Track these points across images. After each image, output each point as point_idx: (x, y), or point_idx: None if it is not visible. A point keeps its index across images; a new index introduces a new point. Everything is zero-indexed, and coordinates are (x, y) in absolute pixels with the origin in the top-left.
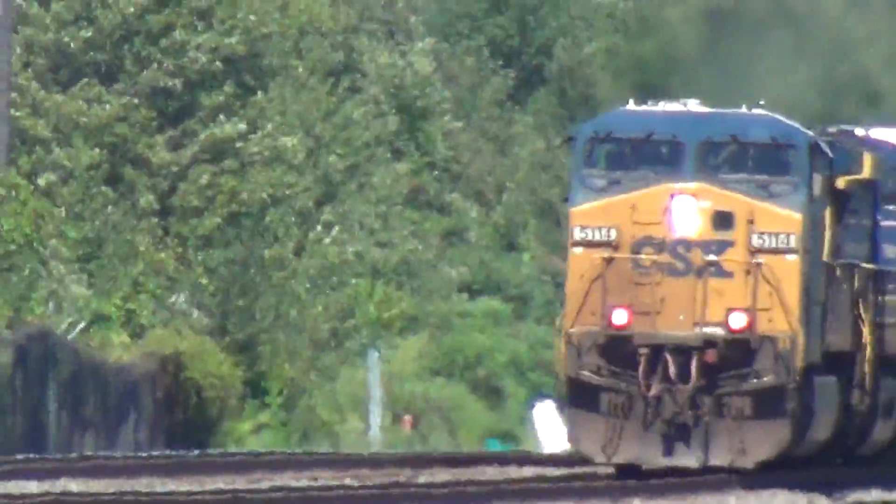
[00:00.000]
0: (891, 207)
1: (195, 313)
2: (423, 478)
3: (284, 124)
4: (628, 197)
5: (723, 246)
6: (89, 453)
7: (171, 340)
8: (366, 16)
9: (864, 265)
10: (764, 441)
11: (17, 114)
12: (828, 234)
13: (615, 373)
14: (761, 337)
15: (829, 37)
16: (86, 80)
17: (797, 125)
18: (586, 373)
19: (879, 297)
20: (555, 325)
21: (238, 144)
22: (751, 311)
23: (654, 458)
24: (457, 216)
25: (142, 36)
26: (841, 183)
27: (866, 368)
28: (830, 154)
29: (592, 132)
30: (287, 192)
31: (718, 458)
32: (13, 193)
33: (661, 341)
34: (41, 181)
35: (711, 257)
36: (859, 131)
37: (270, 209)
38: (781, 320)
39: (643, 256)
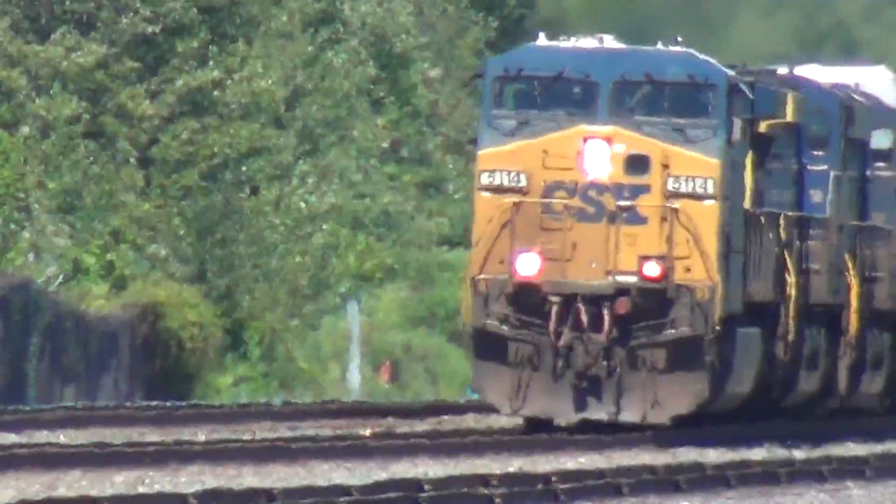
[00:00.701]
0: (816, 152)
1: (175, 264)
2: (405, 427)
3: (264, 70)
4: (539, 141)
5: (637, 191)
6: (70, 404)
7: (150, 290)
8: None
9: (789, 213)
10: (680, 395)
11: None
12: (749, 181)
13: (524, 322)
14: (677, 286)
15: None
16: (64, 27)
17: (716, 63)
18: (493, 321)
19: (804, 245)
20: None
21: (216, 93)
22: (666, 258)
23: (564, 411)
24: (435, 168)
25: None
26: (763, 127)
27: (791, 318)
28: (751, 95)
29: (501, 69)
30: (267, 145)
31: (631, 413)
32: None
33: (571, 290)
34: (20, 133)
35: (624, 202)
36: (783, 70)
37: (250, 160)
38: (699, 269)
39: (554, 201)
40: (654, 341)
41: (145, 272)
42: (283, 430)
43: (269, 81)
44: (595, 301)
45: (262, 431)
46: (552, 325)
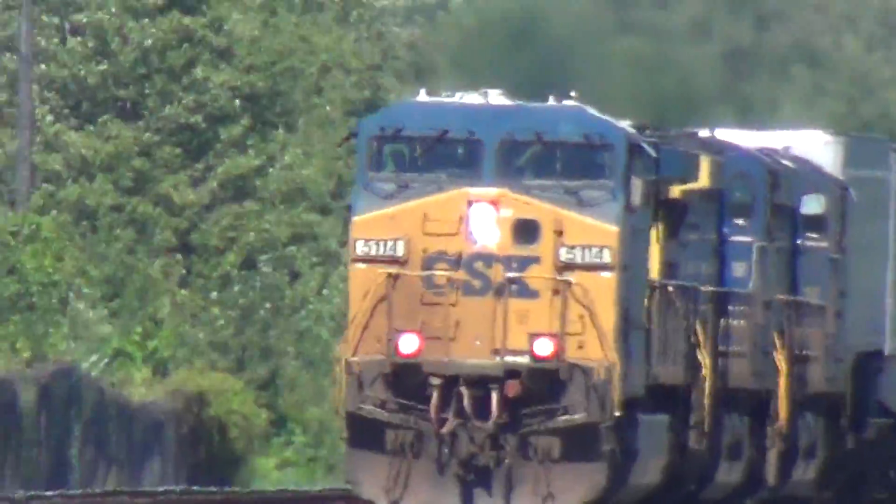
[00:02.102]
0: (739, 221)
1: (213, 353)
2: None
3: (306, 155)
4: (418, 203)
5: (526, 261)
6: (112, 488)
7: (193, 379)
8: (390, 54)
9: (704, 287)
10: (575, 486)
11: (31, 149)
12: (657, 250)
13: (403, 406)
14: (571, 366)
15: (850, 76)
16: (105, 116)
17: (614, 121)
18: (369, 406)
19: (724, 322)
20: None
21: (257, 181)
22: (559, 336)
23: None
24: None
25: (163, 73)
26: (676, 192)
27: (706, 404)
28: (654, 155)
29: (378, 129)
30: (310, 231)
31: None
32: (34, 232)
33: (455, 371)
34: (51, 218)
35: (513, 274)
36: (704, 133)
37: (291, 247)
38: (595, 347)
39: (435, 273)
40: (548, 427)
41: (187, 359)
42: None
43: (309, 170)
44: (481, 383)
45: None
46: (433, 410)
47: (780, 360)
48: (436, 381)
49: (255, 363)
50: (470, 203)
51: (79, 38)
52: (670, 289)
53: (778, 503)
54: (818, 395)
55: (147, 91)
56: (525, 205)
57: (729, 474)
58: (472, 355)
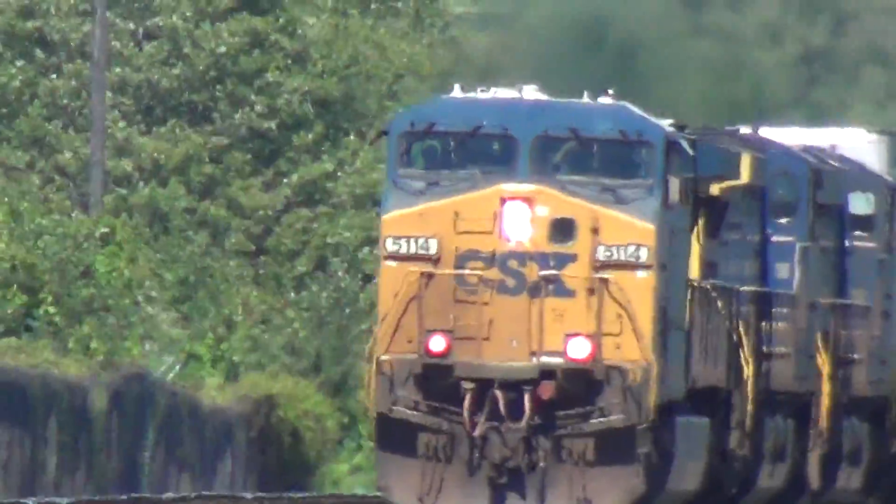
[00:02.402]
0: (782, 220)
1: (287, 357)
2: None
3: (375, 163)
4: (450, 201)
5: (563, 260)
6: (185, 494)
7: (264, 383)
8: (463, 60)
9: (746, 287)
10: (611, 490)
11: (103, 154)
12: (697, 249)
13: (435, 409)
14: (607, 367)
15: None
16: (174, 120)
17: (651, 118)
18: (400, 408)
19: (767, 324)
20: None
21: (328, 185)
22: (595, 336)
23: None
24: None
25: (234, 77)
26: (715, 190)
27: (748, 407)
28: (691, 152)
29: (409, 125)
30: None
31: None
32: (107, 235)
33: (487, 374)
34: (122, 221)
35: (548, 272)
36: (745, 130)
37: (364, 250)
38: (632, 348)
39: (468, 272)
40: (582, 430)
41: (259, 362)
42: None
43: (380, 174)
44: (515, 385)
45: None
46: (466, 413)
47: (824, 362)
48: (469, 384)
49: (328, 366)
50: (504, 200)
51: (153, 43)
52: (710, 289)
53: None
54: (863, 399)
55: (218, 95)
56: (561, 202)
57: (771, 479)
58: (507, 357)
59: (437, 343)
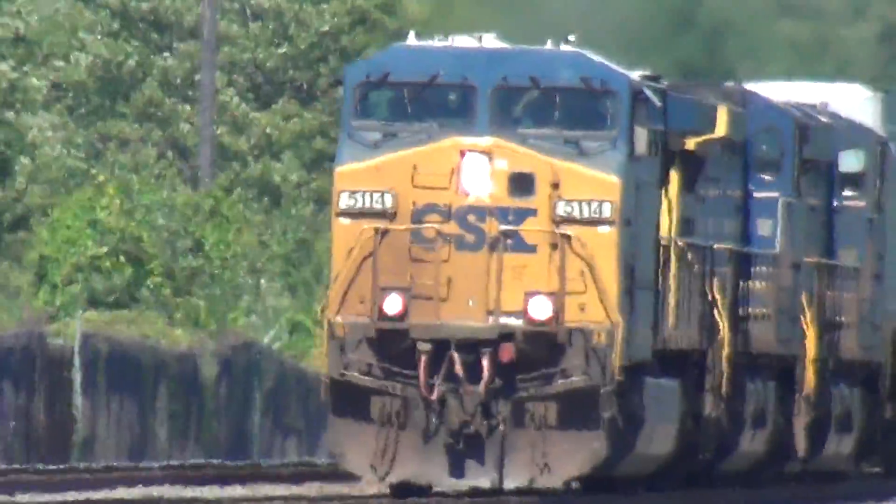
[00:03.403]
0: (765, 176)
1: None
2: None
3: None
4: (407, 154)
5: (522, 214)
6: (294, 459)
7: None
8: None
9: (721, 245)
10: (573, 455)
11: (218, 131)
12: (669, 205)
13: (390, 372)
14: (570, 329)
15: None
16: (284, 96)
17: (616, 67)
18: (353, 373)
19: (745, 283)
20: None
21: None
22: (557, 295)
23: (438, 476)
24: None
25: (337, 54)
26: (690, 144)
27: (724, 369)
28: (659, 103)
29: (364, 74)
30: None
31: (516, 476)
32: (215, 208)
33: (444, 335)
34: (235, 196)
35: (508, 227)
36: (730, 84)
37: None
38: (596, 308)
39: (425, 226)
40: (544, 393)
41: None
42: None
43: None
44: (473, 347)
45: None
46: (422, 375)
47: (808, 324)
48: (425, 346)
49: None
50: (462, 153)
51: (259, 23)
52: (683, 246)
53: (814, 477)
54: (853, 364)
55: (322, 74)
56: (520, 156)
57: (752, 443)
58: (465, 317)
59: (393, 304)
